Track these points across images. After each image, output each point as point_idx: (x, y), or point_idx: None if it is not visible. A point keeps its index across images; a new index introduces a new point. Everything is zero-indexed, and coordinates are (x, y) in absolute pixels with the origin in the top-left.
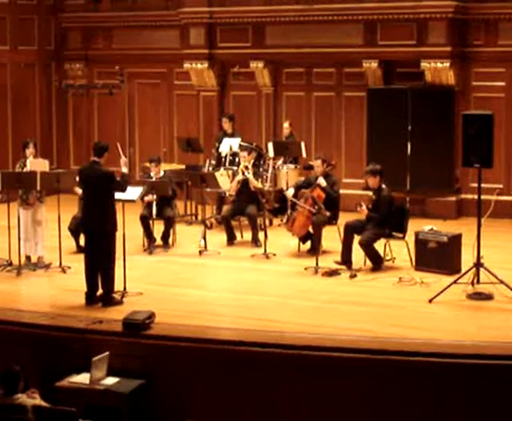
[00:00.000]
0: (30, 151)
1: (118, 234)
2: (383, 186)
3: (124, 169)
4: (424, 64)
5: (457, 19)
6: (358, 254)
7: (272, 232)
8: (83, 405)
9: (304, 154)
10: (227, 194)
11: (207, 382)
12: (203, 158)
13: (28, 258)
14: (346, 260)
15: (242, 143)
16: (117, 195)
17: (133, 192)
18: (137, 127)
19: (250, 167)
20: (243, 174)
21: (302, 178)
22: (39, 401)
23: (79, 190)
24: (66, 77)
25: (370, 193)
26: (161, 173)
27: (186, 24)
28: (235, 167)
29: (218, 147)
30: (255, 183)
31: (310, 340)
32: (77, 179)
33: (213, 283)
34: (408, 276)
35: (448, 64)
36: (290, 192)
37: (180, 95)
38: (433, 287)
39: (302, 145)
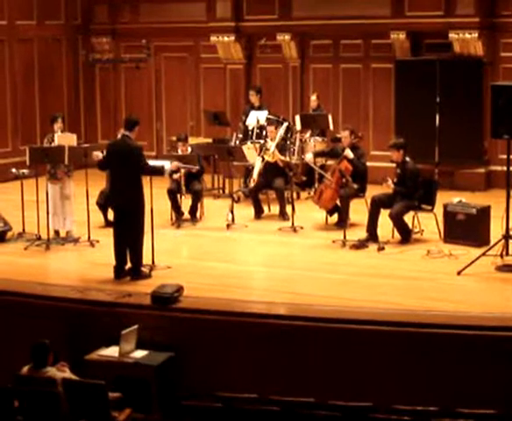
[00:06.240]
0: (58, 125)
1: (146, 208)
2: (407, 159)
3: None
4: (452, 35)
5: None
6: (386, 227)
7: (299, 206)
8: (112, 378)
9: (332, 127)
10: (250, 182)
11: (235, 355)
12: (230, 131)
13: (57, 232)
14: (372, 233)
15: (269, 116)
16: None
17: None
18: (164, 101)
19: (274, 147)
20: (262, 160)
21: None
22: (68, 374)
23: (99, 154)
24: (93, 51)
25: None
26: (189, 150)
27: None
28: (262, 141)
29: (245, 120)
30: (282, 158)
31: (338, 313)
32: (104, 152)
33: (240, 257)
34: (437, 249)
35: (476, 35)
36: (308, 157)
37: (206, 68)
38: (462, 259)
39: (330, 117)
